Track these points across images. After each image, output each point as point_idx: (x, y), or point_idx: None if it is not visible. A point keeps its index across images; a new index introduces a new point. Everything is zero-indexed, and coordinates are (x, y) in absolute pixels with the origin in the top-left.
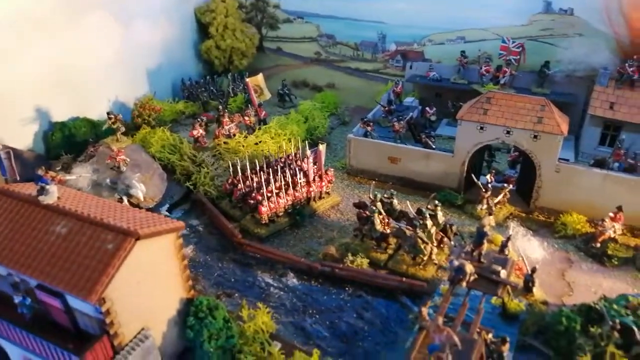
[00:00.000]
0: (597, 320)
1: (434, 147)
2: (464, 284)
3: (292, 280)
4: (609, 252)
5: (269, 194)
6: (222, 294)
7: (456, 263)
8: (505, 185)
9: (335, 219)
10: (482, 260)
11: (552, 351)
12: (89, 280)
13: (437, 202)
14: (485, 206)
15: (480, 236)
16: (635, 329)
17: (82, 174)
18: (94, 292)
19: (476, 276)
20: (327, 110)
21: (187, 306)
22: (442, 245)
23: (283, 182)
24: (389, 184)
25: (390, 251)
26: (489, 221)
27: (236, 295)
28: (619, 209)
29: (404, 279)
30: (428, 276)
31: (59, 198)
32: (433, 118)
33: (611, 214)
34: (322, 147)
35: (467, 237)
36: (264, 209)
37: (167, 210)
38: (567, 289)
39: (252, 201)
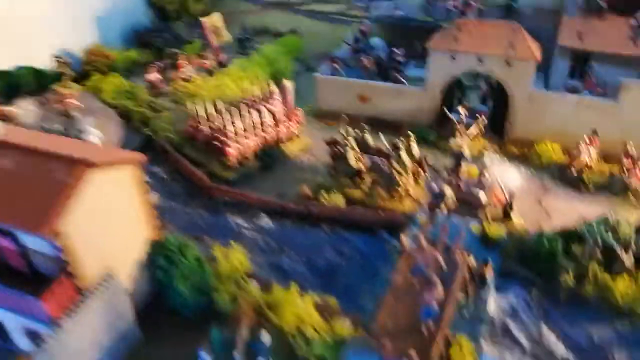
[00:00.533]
0: (578, 242)
1: (404, 82)
2: (444, 207)
3: (265, 221)
4: (585, 178)
5: (236, 135)
6: (192, 237)
7: (435, 186)
8: (478, 116)
9: (306, 161)
10: (460, 186)
11: (534, 275)
12: (40, 213)
13: (412, 135)
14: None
15: (456, 158)
16: (617, 245)
17: (27, 107)
18: (46, 223)
19: (456, 201)
20: (291, 56)
21: (155, 247)
22: (417, 178)
23: (251, 123)
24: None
25: (365, 188)
26: (463, 143)
27: (206, 238)
28: (595, 132)
29: (381, 212)
30: (405, 210)
31: (5, 135)
32: (401, 59)
33: (587, 138)
34: (288, 83)
35: (442, 171)
36: (231, 151)
37: None
38: (545, 215)
39: (217, 143)
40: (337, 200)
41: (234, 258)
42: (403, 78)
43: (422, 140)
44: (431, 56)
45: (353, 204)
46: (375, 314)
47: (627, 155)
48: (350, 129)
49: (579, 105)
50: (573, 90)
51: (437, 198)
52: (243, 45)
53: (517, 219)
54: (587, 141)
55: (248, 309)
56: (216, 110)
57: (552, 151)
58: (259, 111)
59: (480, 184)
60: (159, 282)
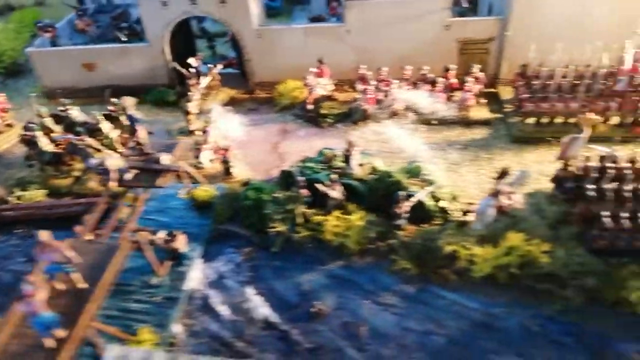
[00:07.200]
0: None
1: (124, 39)
2: (114, 184)
3: None
4: (323, 111)
5: None
6: None
7: (93, 162)
8: (211, 66)
9: (22, 154)
10: (147, 151)
11: (248, 230)
12: None
13: (115, 100)
14: (199, 95)
15: (131, 121)
16: (323, 181)
17: None
18: None
19: (137, 171)
20: (27, 31)
21: None
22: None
23: None
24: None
25: (78, 173)
26: (132, 101)
27: None
28: (320, 61)
29: (82, 200)
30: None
31: None
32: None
33: (314, 69)
34: None
35: (178, 133)
36: None
37: None
38: (279, 160)
39: None
40: (34, 195)
41: None
42: (128, 28)
43: (163, 103)
44: (141, 4)
45: (61, 196)
46: None
47: (361, 78)
48: (44, 108)
49: (307, 35)
50: (318, 19)
51: (103, 174)
52: None
53: (241, 173)
54: (316, 72)
55: None
56: None
57: (293, 89)
58: None
59: (171, 145)
60: None
